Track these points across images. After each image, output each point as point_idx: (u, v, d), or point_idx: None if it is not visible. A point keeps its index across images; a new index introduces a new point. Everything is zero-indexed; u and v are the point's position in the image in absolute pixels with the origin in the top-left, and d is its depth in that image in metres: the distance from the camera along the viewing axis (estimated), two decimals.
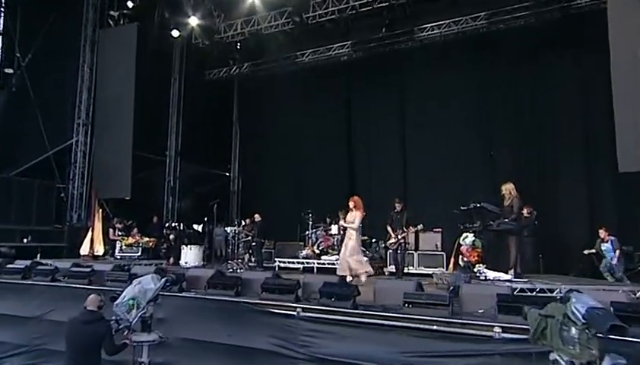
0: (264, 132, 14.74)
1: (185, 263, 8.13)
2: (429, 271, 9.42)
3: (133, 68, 11.81)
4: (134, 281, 4.84)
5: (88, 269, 7.11)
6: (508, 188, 7.12)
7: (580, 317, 3.06)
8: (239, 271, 10.02)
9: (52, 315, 6.63)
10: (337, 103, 13.41)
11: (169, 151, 14.92)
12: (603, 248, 7.85)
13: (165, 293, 5.85)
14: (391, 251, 9.13)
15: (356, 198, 7.90)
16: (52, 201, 11.65)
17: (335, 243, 10.34)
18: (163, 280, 4.90)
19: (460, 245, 7.24)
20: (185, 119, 14.93)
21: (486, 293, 5.04)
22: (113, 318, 4.54)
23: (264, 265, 10.64)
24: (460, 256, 7.23)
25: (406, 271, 8.72)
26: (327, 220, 11.02)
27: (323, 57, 13.28)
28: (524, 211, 8.50)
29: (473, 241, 7.02)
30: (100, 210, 10.49)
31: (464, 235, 7.21)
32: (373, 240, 10.88)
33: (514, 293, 5.75)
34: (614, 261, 7.62)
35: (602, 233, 7.92)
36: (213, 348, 5.71)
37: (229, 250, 11.39)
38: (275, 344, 5.46)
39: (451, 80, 11.62)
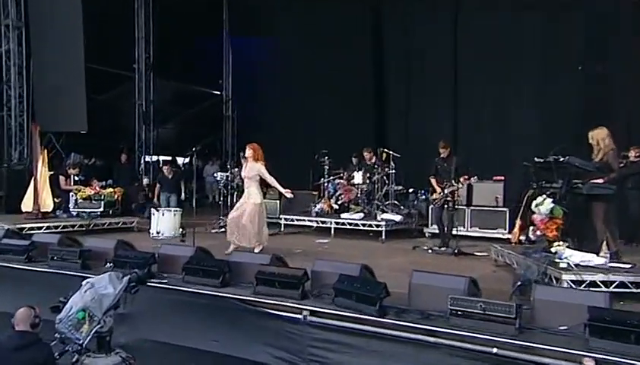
0: (264, 40, 14.06)
1: (158, 233, 7.67)
2: (486, 233, 9.26)
3: None
4: (84, 284, 4.38)
5: (26, 242, 6.79)
6: (598, 136, 6.38)
7: None
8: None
9: None
10: (362, 5, 12.49)
11: (138, 64, 14.42)
12: None
13: None
14: (434, 207, 8.84)
15: (255, 145, 7.63)
16: None
17: (359, 196, 10.11)
18: (126, 279, 4.46)
19: (533, 212, 6.59)
20: (158, 19, 14.24)
21: (571, 302, 4.49)
22: (56, 336, 4.16)
23: (267, 220, 10.44)
24: (532, 228, 6.61)
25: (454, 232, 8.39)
26: (353, 161, 10.69)
27: None
28: (631, 154, 8.15)
29: (552, 208, 6.34)
30: (45, 150, 10.01)
31: (539, 198, 6.52)
32: (410, 191, 10.79)
33: (611, 288, 5.25)
34: None
35: None
36: (195, 357, 5.50)
37: (222, 200, 11.08)
38: (275, 355, 5.23)
39: None
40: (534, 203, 6.55)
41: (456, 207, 8.47)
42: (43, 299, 6.22)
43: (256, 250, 7.37)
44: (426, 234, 9.57)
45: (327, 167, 10.64)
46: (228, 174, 10.87)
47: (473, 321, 4.46)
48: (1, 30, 11.59)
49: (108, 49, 12.84)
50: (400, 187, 10.46)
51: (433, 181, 8.39)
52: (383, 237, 9.18)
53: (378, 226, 9.33)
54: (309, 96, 13.00)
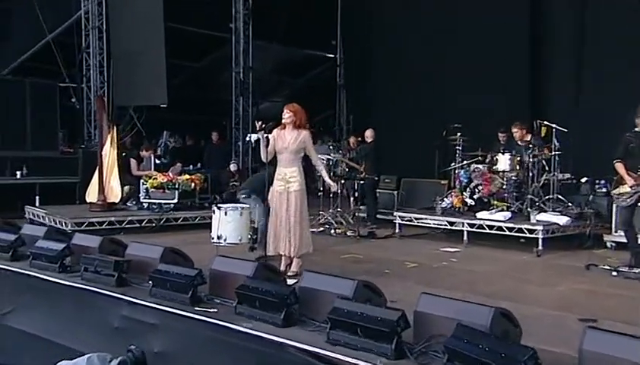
0: None
1: (219, 239, 6.93)
2: None
3: None
4: None
5: (61, 245, 6.28)
6: None
7: None
8: (335, 231, 9.65)
9: (9, 319, 6.20)
10: None
11: (235, 23, 14.38)
12: None
13: (169, 309, 5.04)
14: (621, 205, 7.62)
15: (296, 106, 6.56)
16: (55, 110, 11.45)
17: (505, 188, 9.11)
18: (116, 362, 4.15)
19: None
20: None
21: None
22: None
23: (378, 216, 10.42)
24: None
25: None
26: (500, 138, 9.77)
27: None
28: None
29: None
30: (115, 128, 9.89)
31: None
32: (583, 181, 9.62)
33: None
34: None
35: None
36: None
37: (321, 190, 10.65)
38: None
39: None
40: None
41: None
42: (76, 321, 5.83)
43: (294, 267, 6.28)
44: (608, 245, 8.30)
45: (460, 148, 9.86)
46: (332, 156, 10.28)
47: None
48: None
49: (199, 6, 12.77)
50: (567, 175, 9.29)
51: (620, 166, 7.04)
52: (539, 247, 7.96)
53: (532, 231, 8.13)
54: (439, 55, 12.11)
